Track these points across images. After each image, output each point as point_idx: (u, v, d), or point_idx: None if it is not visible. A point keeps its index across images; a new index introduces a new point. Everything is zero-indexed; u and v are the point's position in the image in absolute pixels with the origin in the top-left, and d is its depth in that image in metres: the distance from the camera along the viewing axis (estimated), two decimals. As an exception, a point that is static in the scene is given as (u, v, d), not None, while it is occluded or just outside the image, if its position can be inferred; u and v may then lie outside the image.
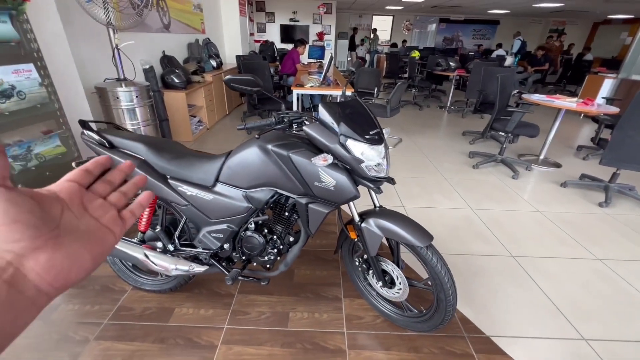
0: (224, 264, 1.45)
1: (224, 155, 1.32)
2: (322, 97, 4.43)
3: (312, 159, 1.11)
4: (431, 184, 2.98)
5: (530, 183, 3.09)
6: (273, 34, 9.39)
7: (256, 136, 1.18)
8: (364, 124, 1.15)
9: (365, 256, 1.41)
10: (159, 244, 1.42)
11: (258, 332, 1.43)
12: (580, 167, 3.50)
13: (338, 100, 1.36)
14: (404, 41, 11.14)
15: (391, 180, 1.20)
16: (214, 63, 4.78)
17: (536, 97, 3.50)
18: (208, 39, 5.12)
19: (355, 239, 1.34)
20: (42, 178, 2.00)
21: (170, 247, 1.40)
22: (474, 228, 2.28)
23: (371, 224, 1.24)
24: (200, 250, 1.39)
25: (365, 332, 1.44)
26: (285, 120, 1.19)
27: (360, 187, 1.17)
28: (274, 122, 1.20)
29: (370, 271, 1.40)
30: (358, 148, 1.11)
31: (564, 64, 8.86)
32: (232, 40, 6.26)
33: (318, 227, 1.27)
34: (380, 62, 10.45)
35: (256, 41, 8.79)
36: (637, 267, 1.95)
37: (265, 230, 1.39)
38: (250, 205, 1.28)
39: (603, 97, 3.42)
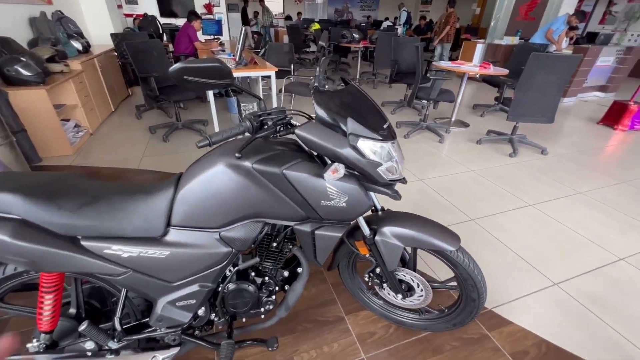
0: (203, 333, 1.04)
1: (171, 183, 0.88)
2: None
3: (323, 173, 0.80)
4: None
5: (454, 145, 3.37)
6: (147, 6, 7.76)
7: (237, 155, 0.79)
8: (371, 116, 0.89)
9: (377, 270, 1.20)
10: (88, 344, 0.90)
11: (264, 399, 1.11)
12: (483, 124, 4.02)
13: (312, 88, 1.04)
14: (299, 13, 10.80)
15: (404, 180, 0.99)
16: (77, 45, 3.58)
17: (444, 64, 3.77)
18: (60, 12, 3.78)
19: (367, 255, 1.11)
20: None
21: (112, 344, 0.91)
22: (430, 199, 2.33)
23: (387, 235, 1.03)
24: (163, 331, 0.94)
25: (385, 348, 1.27)
26: (269, 123, 0.83)
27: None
28: (251, 128, 0.82)
29: (385, 285, 1.20)
30: (371, 148, 0.85)
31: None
32: (95, 15, 4.84)
33: (327, 255, 0.99)
34: (279, 36, 9.92)
35: (126, 15, 7.13)
36: (556, 205, 2.31)
37: (253, 274, 1.03)
38: (231, 248, 0.90)
39: (491, 60, 4.03)
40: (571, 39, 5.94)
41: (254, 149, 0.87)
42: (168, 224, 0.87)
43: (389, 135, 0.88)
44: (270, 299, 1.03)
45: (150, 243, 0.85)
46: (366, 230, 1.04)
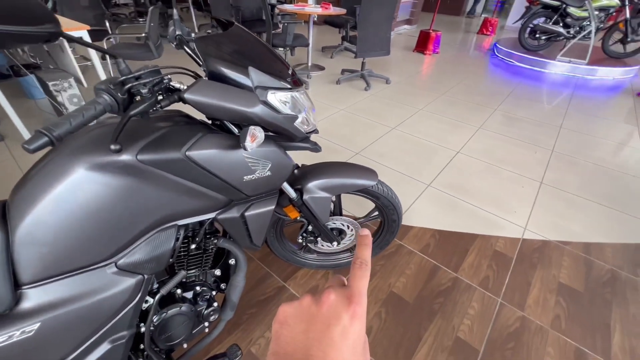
0: None
1: None
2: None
3: (243, 143, 0.64)
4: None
5: (318, 88, 3.50)
6: None
7: (113, 147, 0.52)
8: (272, 62, 0.75)
9: (310, 228, 1.16)
10: None
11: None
12: (335, 64, 4.29)
13: (177, 38, 0.80)
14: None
15: (316, 130, 0.93)
16: None
17: (288, 7, 3.67)
18: None
19: (298, 217, 1.05)
20: None
21: None
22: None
23: (314, 191, 0.98)
24: None
25: (330, 294, 1.33)
26: (144, 91, 0.57)
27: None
28: (115, 104, 0.55)
29: (319, 239, 1.19)
30: (282, 100, 0.74)
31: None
32: None
33: (265, 233, 0.87)
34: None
35: None
36: (408, 123, 2.80)
37: (179, 291, 0.82)
38: (140, 275, 0.67)
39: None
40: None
41: (128, 135, 0.61)
42: (16, 286, 0.55)
43: (296, 82, 0.77)
44: (212, 307, 0.86)
45: None
46: (292, 193, 0.96)
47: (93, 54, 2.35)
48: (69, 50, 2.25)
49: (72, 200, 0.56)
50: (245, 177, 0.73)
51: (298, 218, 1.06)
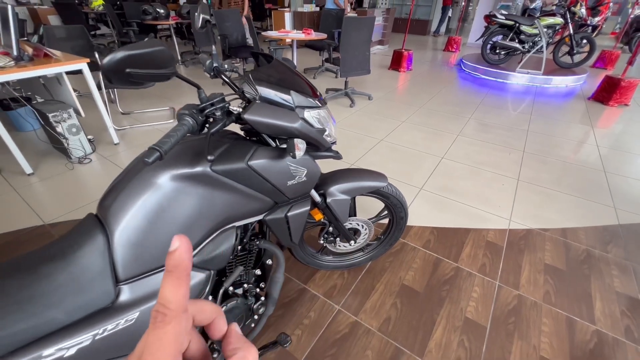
0: None
1: (93, 227, 0.65)
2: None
3: (291, 153, 0.78)
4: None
5: (307, 108, 3.70)
6: None
7: (210, 158, 0.65)
8: (305, 86, 0.91)
9: (330, 229, 1.29)
10: None
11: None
12: (319, 84, 4.54)
13: (213, 69, 0.95)
14: (59, -15, 8.09)
15: (336, 142, 1.09)
16: None
17: (273, 33, 3.91)
18: None
19: (322, 219, 1.18)
20: None
21: None
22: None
23: (336, 194, 1.13)
24: None
25: (349, 292, 1.45)
26: (217, 114, 0.71)
27: None
28: (195, 125, 0.68)
29: (338, 239, 1.32)
30: (315, 117, 0.89)
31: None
32: None
33: (302, 231, 1.00)
34: (39, 18, 7.25)
35: None
36: (394, 135, 3.03)
37: (231, 288, 0.92)
38: (208, 271, 0.78)
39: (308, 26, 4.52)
40: (351, 4, 7.27)
41: (197, 151, 0.74)
42: (117, 282, 0.65)
43: (322, 101, 0.93)
44: (260, 302, 0.96)
45: (103, 317, 0.62)
46: (317, 197, 1.10)
47: (92, 85, 2.42)
48: (68, 83, 2.32)
49: (160, 206, 0.67)
50: (288, 182, 0.86)
51: (321, 220, 1.19)
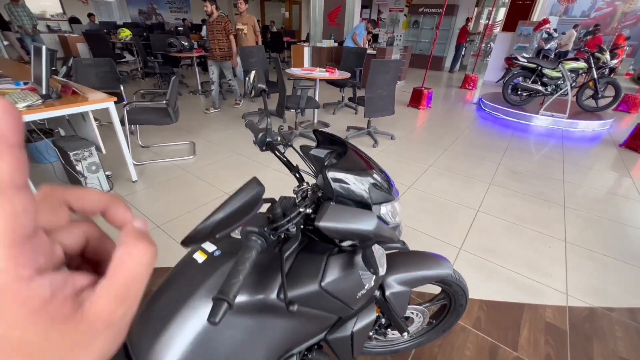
0: None
1: None
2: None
3: (377, 269, 0.62)
4: (270, 178, 2.77)
5: (329, 146, 3.61)
6: None
7: (290, 309, 0.49)
8: (380, 176, 0.76)
9: (383, 321, 1.11)
10: None
11: None
12: (339, 121, 4.49)
13: (266, 143, 0.82)
14: (91, 15, 8.54)
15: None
16: None
17: (297, 71, 3.92)
18: None
19: (378, 314, 1.00)
20: None
21: None
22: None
23: (394, 286, 0.95)
24: None
25: (395, 388, 1.23)
26: (293, 229, 0.56)
27: None
28: (265, 246, 0.53)
29: (389, 329, 1.13)
30: (389, 211, 0.74)
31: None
32: None
33: (364, 343, 0.82)
34: (69, 46, 7.56)
35: None
36: (422, 180, 2.88)
37: None
38: None
39: (328, 63, 4.56)
40: (369, 41, 7.45)
41: (257, 269, 0.58)
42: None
43: (396, 191, 0.79)
44: None
45: None
46: (376, 292, 0.92)
47: (116, 122, 2.36)
48: (92, 121, 2.26)
49: (216, 343, 0.51)
50: (359, 293, 0.70)
51: (380, 315, 1.01)
